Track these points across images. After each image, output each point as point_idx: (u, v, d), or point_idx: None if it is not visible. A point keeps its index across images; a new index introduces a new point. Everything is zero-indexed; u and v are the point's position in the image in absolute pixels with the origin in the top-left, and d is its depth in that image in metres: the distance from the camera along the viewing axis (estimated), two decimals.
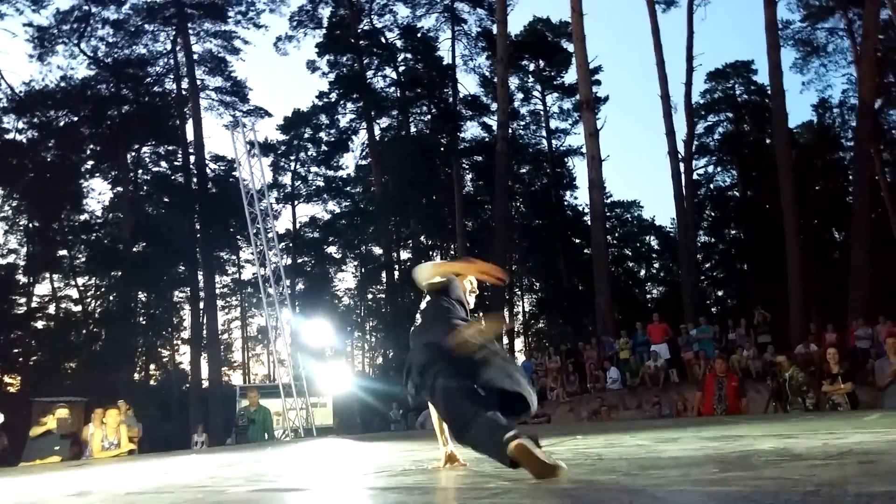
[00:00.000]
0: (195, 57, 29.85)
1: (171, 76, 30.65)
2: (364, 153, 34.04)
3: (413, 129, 33.36)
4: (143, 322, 31.97)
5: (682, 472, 2.64)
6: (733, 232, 36.28)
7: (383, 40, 32.59)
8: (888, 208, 27.26)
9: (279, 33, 42.49)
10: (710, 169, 35.44)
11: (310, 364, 15.57)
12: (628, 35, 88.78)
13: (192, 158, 29.95)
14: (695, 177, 30.62)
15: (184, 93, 30.07)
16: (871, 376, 9.19)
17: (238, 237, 33.16)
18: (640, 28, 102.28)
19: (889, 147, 31.49)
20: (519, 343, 36.90)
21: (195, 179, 29.73)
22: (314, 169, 36.32)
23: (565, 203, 36.17)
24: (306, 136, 34.95)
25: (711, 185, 35.76)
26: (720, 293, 37.97)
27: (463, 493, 2.48)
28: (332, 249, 37.89)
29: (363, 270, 37.58)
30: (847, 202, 26.10)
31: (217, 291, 33.64)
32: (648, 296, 40.22)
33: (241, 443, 10.99)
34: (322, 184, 36.41)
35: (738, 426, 5.44)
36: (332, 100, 32.75)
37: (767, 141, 29.77)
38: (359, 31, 32.00)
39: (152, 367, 35.90)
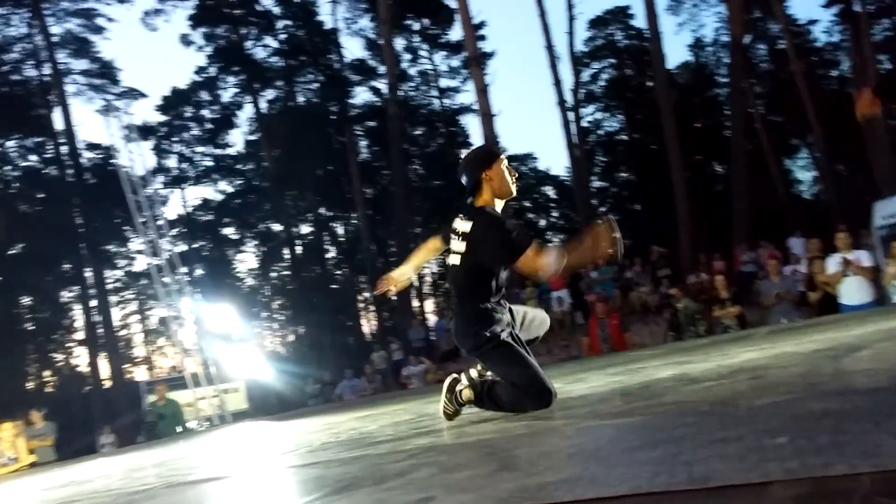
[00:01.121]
0: (55, 39, 27.86)
1: (32, 62, 28.46)
2: (252, 128, 33.01)
3: (301, 99, 32.49)
4: (31, 328, 30.11)
5: (590, 409, 2.72)
6: (624, 174, 37.61)
7: (259, 8, 31.42)
8: (762, 139, 28.94)
9: (146, 7, 40.02)
10: (598, 115, 36.48)
11: (218, 350, 15.16)
12: None
13: (64, 149, 28.11)
14: (584, 124, 31.50)
15: (47, 79, 28.07)
16: (757, 297, 9.82)
17: (126, 227, 31.54)
18: None
19: (759, 80, 33.32)
20: (429, 304, 37.24)
21: (70, 171, 27.95)
22: (200, 149, 34.76)
23: None
24: (188, 114, 33.38)
25: (601, 131, 36.82)
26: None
27: (381, 458, 2.47)
28: (228, 231, 36.65)
29: (264, 249, 36.67)
30: (725, 136, 27.47)
31: (109, 286, 32.08)
32: (549, 244, 41.36)
33: (153, 439, 10.64)
34: (211, 163, 34.97)
35: (639, 359, 5.69)
36: (212, 74, 31.47)
37: (649, 84, 30.81)
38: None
39: (47, 373, 33.99)
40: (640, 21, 33.16)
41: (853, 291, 7.77)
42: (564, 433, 2.19)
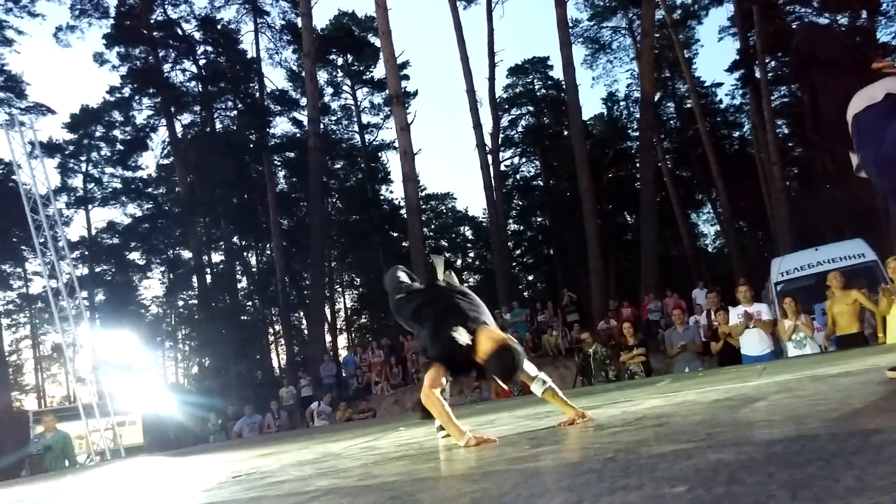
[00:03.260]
0: None
1: None
2: (165, 151, 32.11)
3: (219, 126, 31.96)
4: None
5: (497, 453, 2.71)
6: (539, 219, 38.51)
7: (179, 32, 30.81)
8: (670, 192, 30.31)
9: (59, 23, 38.55)
10: (516, 160, 37.42)
11: (115, 381, 14.41)
12: (434, 30, 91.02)
13: None
14: (502, 168, 32.15)
15: None
16: (663, 345, 10.13)
17: (23, 247, 29.86)
18: (444, 24, 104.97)
19: (668, 136, 35.01)
20: (342, 339, 36.69)
21: None
22: (109, 170, 33.66)
23: (381, 197, 36.41)
24: (98, 134, 32.36)
25: (518, 176, 37.72)
26: (531, 277, 40.13)
27: (279, 499, 2.37)
28: (134, 255, 35.29)
29: (171, 276, 35.39)
30: (636, 188, 28.61)
31: (0, 308, 30.16)
32: (465, 285, 41.52)
33: (37, 473, 9.94)
34: (119, 185, 33.81)
35: (547, 403, 5.73)
36: (126, 95, 30.56)
37: (565, 132, 31.83)
38: (151, 21, 29.94)
39: None
40: (557, 72, 34.41)
41: (753, 343, 8.12)
42: (471, 477, 2.17)
